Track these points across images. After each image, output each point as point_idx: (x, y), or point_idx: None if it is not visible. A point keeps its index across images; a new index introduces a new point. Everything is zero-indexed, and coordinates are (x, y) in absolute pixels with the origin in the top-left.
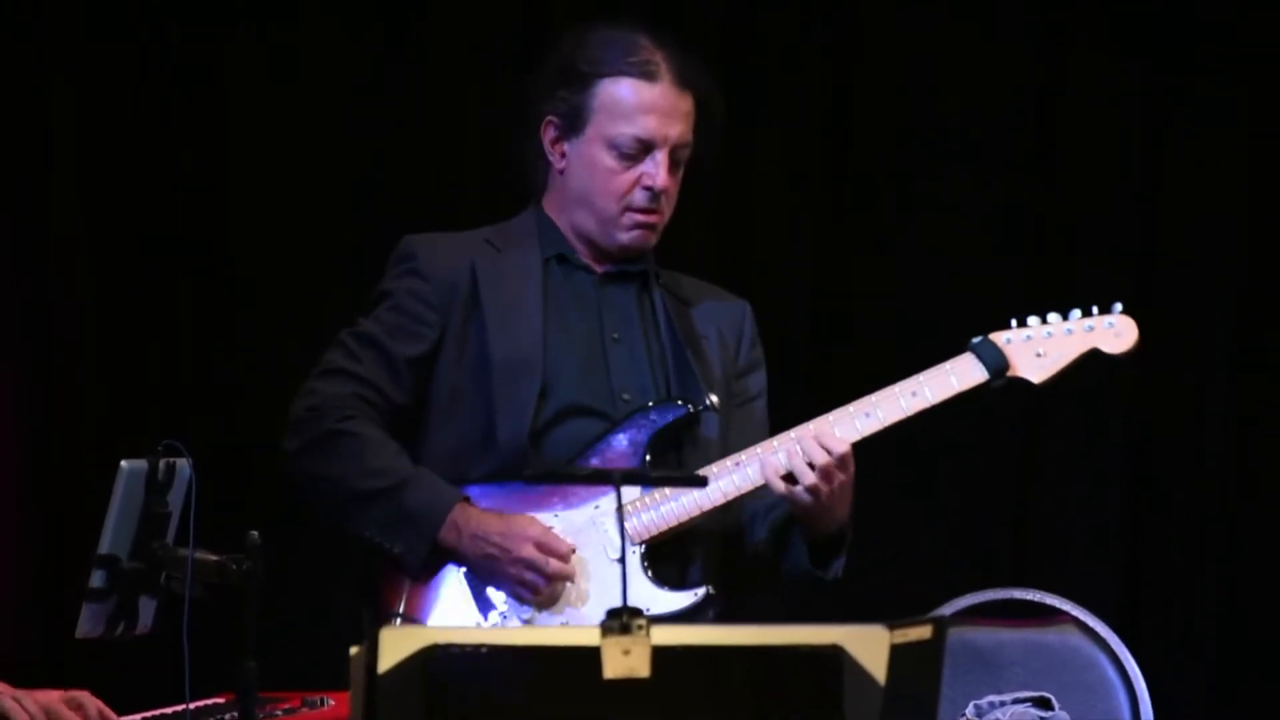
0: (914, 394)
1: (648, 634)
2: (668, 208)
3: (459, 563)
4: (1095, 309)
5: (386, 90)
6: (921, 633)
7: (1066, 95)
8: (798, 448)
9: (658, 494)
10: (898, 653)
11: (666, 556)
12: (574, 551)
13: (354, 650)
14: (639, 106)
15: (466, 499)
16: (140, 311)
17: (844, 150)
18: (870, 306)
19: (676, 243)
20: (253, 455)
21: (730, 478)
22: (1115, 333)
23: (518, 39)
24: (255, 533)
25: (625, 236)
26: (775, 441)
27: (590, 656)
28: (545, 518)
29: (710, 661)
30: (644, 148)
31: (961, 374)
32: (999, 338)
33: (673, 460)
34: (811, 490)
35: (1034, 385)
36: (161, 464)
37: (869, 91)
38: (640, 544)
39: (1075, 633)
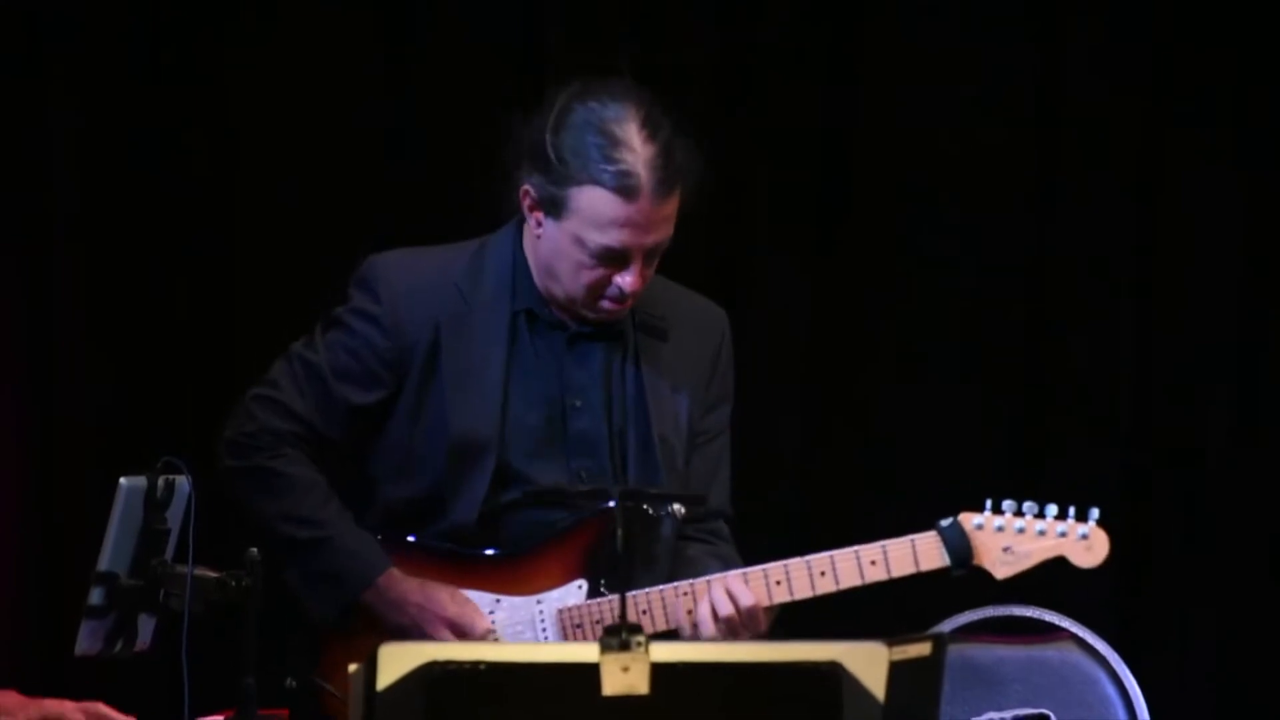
0: (873, 563)
1: (647, 651)
2: (642, 287)
3: (380, 622)
4: (1072, 512)
5: (388, 85)
6: (920, 649)
7: (1067, 95)
8: (707, 596)
9: (606, 607)
10: (897, 669)
11: None
12: (495, 637)
13: (353, 667)
14: (615, 221)
15: (391, 566)
16: (141, 326)
17: (844, 156)
18: (874, 313)
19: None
20: None
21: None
22: (1086, 546)
23: (518, 44)
24: (254, 550)
25: (592, 316)
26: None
27: (589, 673)
28: (485, 600)
29: (709, 679)
30: (619, 256)
31: (925, 556)
32: (968, 522)
33: (637, 559)
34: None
35: (996, 579)
36: (161, 481)
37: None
38: None
39: (1074, 649)
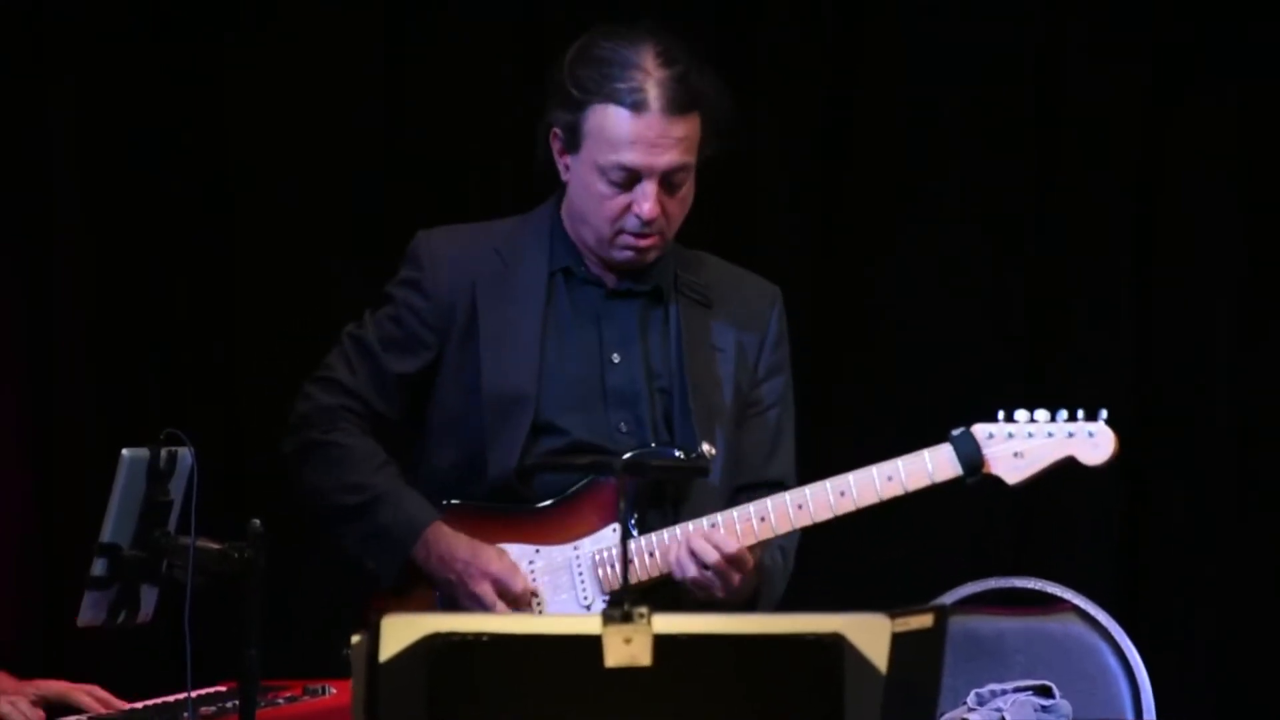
0: (889, 478)
1: (649, 623)
2: (669, 226)
3: (432, 584)
4: (1081, 413)
5: (388, 85)
6: (923, 621)
7: (1067, 95)
8: (686, 548)
9: (633, 547)
10: (899, 641)
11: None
12: (534, 595)
13: (355, 639)
14: (625, 137)
15: (439, 519)
16: (142, 302)
17: (844, 156)
18: (875, 312)
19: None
20: (254, 444)
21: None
22: (1094, 444)
23: (520, 34)
24: (257, 521)
25: (620, 256)
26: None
27: (592, 645)
28: (525, 551)
29: (711, 650)
30: (632, 176)
31: (937, 467)
32: (980, 432)
33: (669, 509)
34: (697, 585)
35: (1008, 485)
36: (163, 453)
37: (868, 99)
38: (608, 593)
39: (1076, 621)
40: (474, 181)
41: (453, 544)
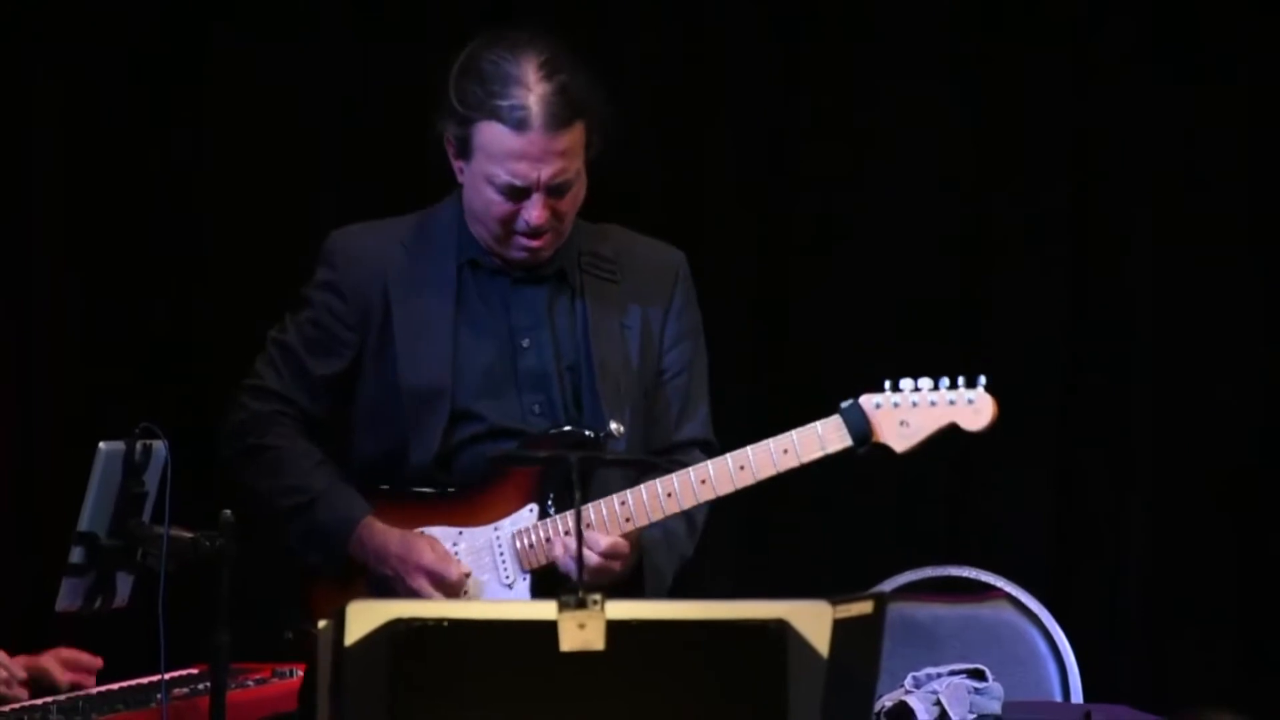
0: (785, 451)
1: (603, 609)
2: (561, 224)
3: (365, 573)
4: (961, 381)
5: (347, 80)
6: (863, 608)
7: (1011, 93)
8: (562, 545)
9: (553, 528)
10: (840, 627)
11: (553, 585)
12: (468, 576)
13: (322, 623)
14: (509, 154)
15: (370, 515)
16: (118, 299)
17: (792, 154)
18: (807, 305)
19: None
20: None
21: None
22: (974, 410)
23: (476, 28)
24: (228, 511)
25: (515, 255)
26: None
27: (548, 630)
28: (449, 534)
29: (663, 635)
30: (519, 190)
31: (828, 438)
32: (868, 402)
33: (590, 484)
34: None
35: (896, 453)
36: (139, 445)
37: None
38: (528, 571)
39: (1008, 608)
40: (434, 168)
41: (385, 540)
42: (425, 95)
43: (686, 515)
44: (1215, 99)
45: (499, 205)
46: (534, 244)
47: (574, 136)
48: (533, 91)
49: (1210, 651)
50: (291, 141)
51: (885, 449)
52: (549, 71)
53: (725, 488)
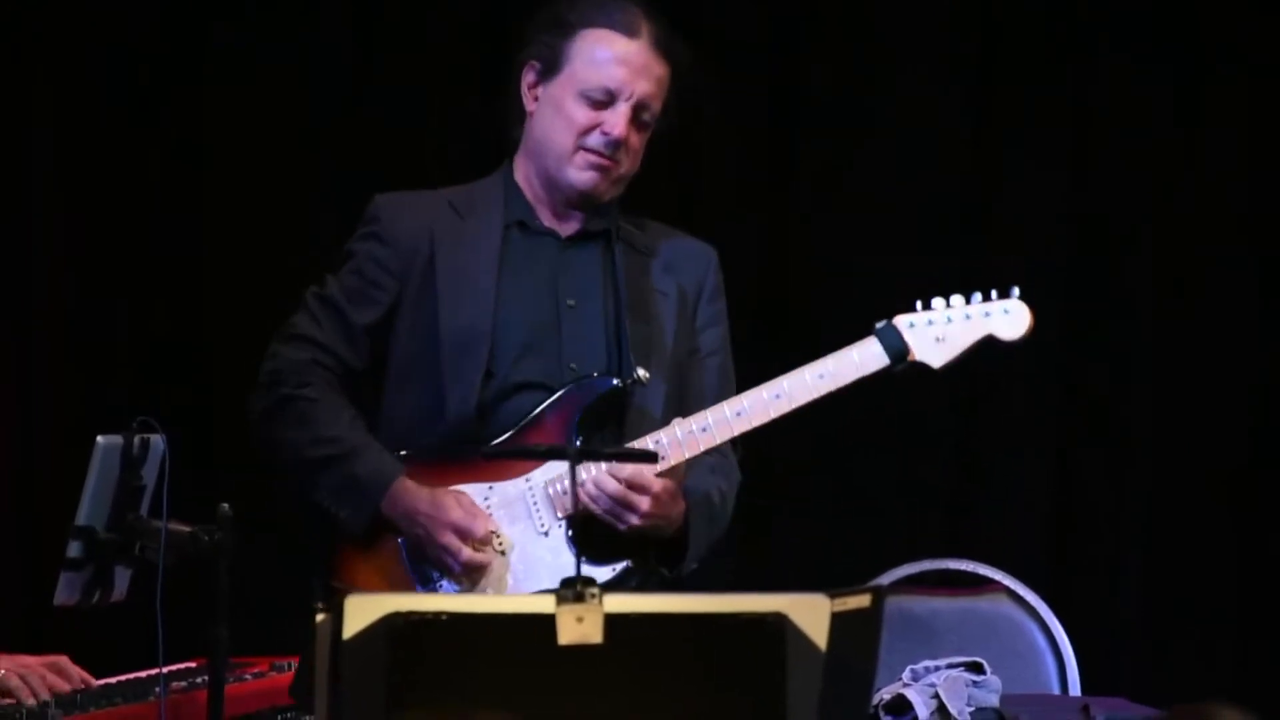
0: (821, 376)
1: (600, 602)
2: (627, 160)
3: (398, 534)
4: (995, 293)
5: (347, 80)
6: (861, 601)
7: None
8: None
9: (584, 471)
10: (838, 620)
11: (590, 531)
12: (495, 533)
13: (320, 616)
14: (613, 58)
15: (403, 473)
16: (117, 293)
17: (791, 121)
18: (814, 269)
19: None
20: (224, 432)
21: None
22: (1010, 320)
23: (476, 28)
24: (226, 505)
25: (578, 176)
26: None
27: (546, 623)
28: (480, 490)
29: (660, 628)
30: (609, 98)
31: (865, 359)
32: (902, 322)
33: (611, 434)
34: (612, 516)
35: (934, 369)
36: (137, 439)
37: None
38: (564, 518)
39: (1006, 601)
40: (432, 162)
41: (414, 498)
42: (425, 95)
43: (722, 494)
44: (1215, 99)
45: (582, 114)
46: (604, 162)
47: (665, 74)
48: (642, 17)
49: (1208, 646)
50: (291, 141)
51: (922, 366)
52: (655, 15)
53: (760, 418)
